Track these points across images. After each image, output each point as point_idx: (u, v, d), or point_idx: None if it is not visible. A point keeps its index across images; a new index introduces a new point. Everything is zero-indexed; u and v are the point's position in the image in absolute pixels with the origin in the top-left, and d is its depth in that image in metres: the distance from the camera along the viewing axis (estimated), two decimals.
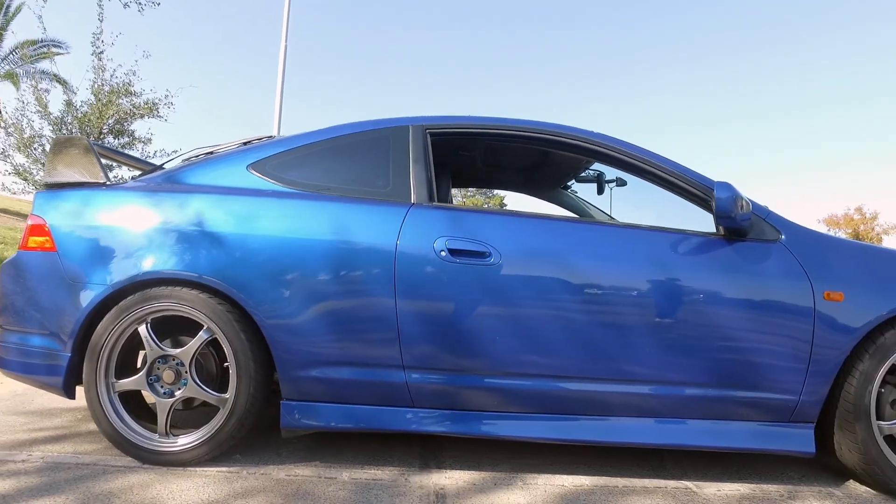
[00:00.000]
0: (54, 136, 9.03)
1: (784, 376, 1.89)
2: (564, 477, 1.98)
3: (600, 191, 2.87)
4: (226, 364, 1.98)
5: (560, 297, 1.87)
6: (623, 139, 2.15)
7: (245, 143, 2.33)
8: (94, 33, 9.11)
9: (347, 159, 2.13)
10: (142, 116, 9.45)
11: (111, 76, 9.25)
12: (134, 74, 9.36)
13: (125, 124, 9.41)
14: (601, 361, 1.88)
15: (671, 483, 1.96)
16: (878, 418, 1.95)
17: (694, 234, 1.97)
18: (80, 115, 9.04)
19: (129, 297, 1.92)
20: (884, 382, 1.99)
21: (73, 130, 9.07)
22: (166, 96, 9.63)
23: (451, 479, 1.93)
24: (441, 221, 1.95)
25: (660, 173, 2.07)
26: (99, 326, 1.92)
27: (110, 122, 9.13)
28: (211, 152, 2.35)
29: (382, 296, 1.89)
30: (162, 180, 2.13)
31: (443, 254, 1.89)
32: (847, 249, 1.99)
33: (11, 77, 10.70)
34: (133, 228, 1.95)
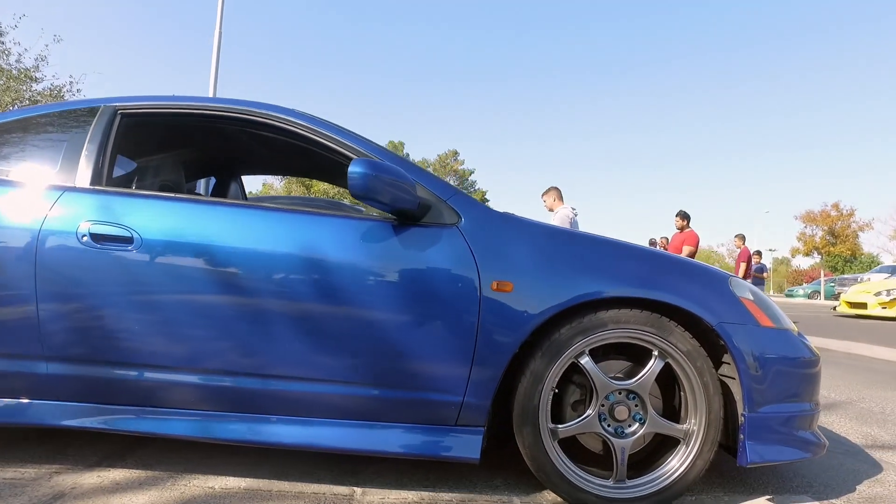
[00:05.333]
0: None
1: (446, 376, 1.83)
2: (225, 479, 1.94)
3: None
4: None
5: (198, 285, 1.83)
6: (325, 119, 2.09)
7: None
8: None
9: (28, 142, 2.10)
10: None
11: (17, 60, 9.26)
12: (43, 60, 9.37)
13: None
14: (243, 355, 1.84)
15: (337, 489, 1.92)
16: (557, 421, 1.88)
17: (361, 219, 1.92)
18: None
19: None
20: (568, 382, 1.92)
21: None
22: (71, 83, 9.66)
23: (101, 477, 1.91)
24: (91, 205, 1.91)
25: (339, 149, 2.02)
26: None
27: (11, 109, 9.18)
28: None
29: (22, 283, 1.86)
30: None
31: (84, 239, 1.85)
32: (530, 234, 1.92)
33: None
34: None
